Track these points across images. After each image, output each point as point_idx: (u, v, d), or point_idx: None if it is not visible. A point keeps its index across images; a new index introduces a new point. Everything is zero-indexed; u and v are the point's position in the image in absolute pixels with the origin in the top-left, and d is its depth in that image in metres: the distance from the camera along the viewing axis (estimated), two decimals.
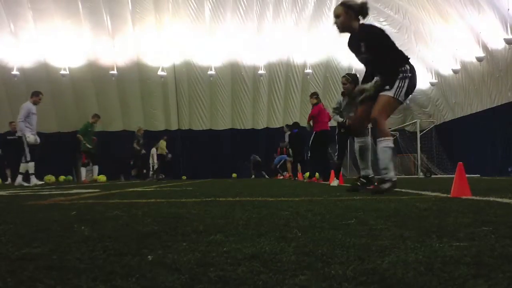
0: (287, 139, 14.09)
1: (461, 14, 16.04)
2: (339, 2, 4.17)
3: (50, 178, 10.34)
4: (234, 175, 21.22)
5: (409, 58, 3.96)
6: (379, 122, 3.84)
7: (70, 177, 17.48)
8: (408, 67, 3.88)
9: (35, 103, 9.92)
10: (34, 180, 9.73)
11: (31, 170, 9.74)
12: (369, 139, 5.07)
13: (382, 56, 3.91)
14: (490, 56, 15.90)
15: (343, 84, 7.14)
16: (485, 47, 15.91)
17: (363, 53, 3.99)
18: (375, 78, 4.01)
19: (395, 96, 3.83)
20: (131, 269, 0.98)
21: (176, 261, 1.05)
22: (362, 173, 4.80)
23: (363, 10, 4.04)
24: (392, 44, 3.96)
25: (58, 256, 1.14)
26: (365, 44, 3.94)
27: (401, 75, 3.84)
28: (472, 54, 16.57)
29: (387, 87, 3.86)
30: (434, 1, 16.85)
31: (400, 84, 3.83)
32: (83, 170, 13.72)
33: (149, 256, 1.12)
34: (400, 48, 4.02)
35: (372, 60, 4.00)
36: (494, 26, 14.82)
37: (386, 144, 3.86)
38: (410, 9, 18.56)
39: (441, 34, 17.81)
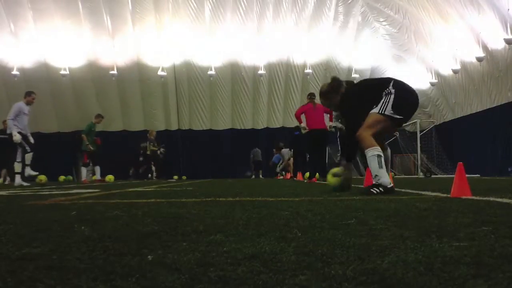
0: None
1: (461, 14, 16.03)
2: (319, 95, 4.58)
3: (42, 178, 10.28)
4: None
5: (391, 80, 4.13)
6: (361, 139, 3.94)
7: (70, 177, 17.44)
8: (390, 87, 4.01)
9: (28, 103, 9.90)
10: (18, 180, 9.62)
11: (18, 170, 9.67)
12: (388, 152, 4.90)
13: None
14: (490, 56, 15.89)
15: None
16: (485, 47, 15.91)
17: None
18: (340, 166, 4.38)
19: (380, 112, 3.93)
20: (131, 269, 0.98)
21: (176, 261, 1.05)
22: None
23: (336, 86, 4.39)
24: (363, 93, 4.23)
25: (58, 256, 1.14)
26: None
27: (384, 92, 3.99)
28: (472, 54, 16.57)
29: (374, 106, 4.00)
30: (434, 1, 16.84)
31: (384, 100, 3.96)
32: (83, 170, 13.70)
33: (149, 256, 1.12)
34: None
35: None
36: (494, 26, 14.82)
37: (371, 153, 3.88)
38: (410, 9, 18.55)
39: (441, 34, 17.81)
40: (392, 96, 3.93)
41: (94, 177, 13.49)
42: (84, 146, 12.98)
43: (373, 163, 3.87)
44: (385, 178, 3.83)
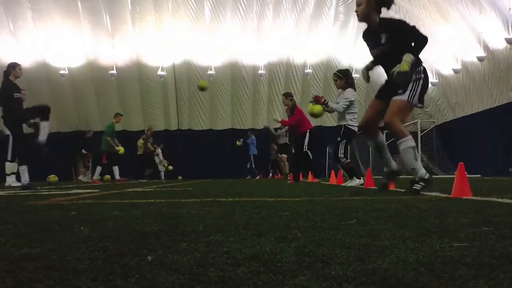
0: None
1: (462, 14, 16.02)
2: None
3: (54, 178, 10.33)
4: (107, 176, 15.89)
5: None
6: (393, 125, 3.70)
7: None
8: (422, 68, 3.83)
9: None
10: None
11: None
12: (383, 137, 4.45)
13: (404, 47, 3.80)
14: (491, 56, 15.88)
15: (334, 80, 7.14)
16: (486, 47, 15.90)
17: (382, 45, 3.91)
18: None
19: (409, 100, 3.70)
20: (130, 269, 0.98)
21: (176, 261, 1.05)
22: (385, 169, 4.33)
23: (386, 1, 3.91)
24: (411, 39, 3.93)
25: (58, 256, 1.14)
26: (387, 35, 3.86)
27: (414, 77, 3.75)
28: (473, 54, 16.55)
29: (400, 91, 3.72)
30: (435, 1, 16.83)
31: (413, 87, 3.73)
32: (99, 169, 13.48)
33: (148, 257, 1.11)
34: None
35: (391, 52, 3.86)
36: (495, 25, 14.81)
37: (405, 145, 3.67)
38: (411, 9, 18.54)
39: (442, 34, 17.79)
40: (421, 83, 3.79)
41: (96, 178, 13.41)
42: (108, 147, 12.93)
43: (408, 155, 3.67)
44: (421, 170, 3.66)
